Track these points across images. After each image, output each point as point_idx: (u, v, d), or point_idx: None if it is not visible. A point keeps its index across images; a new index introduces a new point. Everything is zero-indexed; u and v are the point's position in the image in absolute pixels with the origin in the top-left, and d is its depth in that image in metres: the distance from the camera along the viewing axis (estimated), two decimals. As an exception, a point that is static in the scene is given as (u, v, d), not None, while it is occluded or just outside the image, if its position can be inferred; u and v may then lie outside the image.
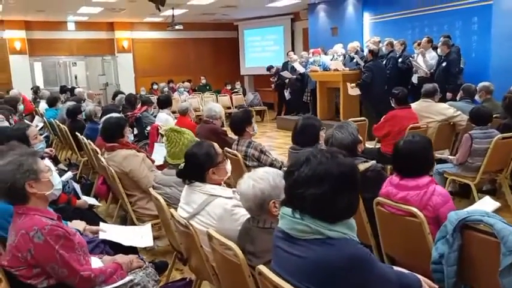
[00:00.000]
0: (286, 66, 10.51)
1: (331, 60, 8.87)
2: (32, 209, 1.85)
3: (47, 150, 4.23)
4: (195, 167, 2.29)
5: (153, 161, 3.72)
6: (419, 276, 1.69)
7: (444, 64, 6.58)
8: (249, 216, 2.01)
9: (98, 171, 4.76)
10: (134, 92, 10.94)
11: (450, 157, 4.14)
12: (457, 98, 5.32)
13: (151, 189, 2.75)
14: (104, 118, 4.03)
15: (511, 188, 4.13)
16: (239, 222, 2.09)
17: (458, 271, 1.92)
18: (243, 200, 1.91)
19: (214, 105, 4.67)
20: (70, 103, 6.78)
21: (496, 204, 2.47)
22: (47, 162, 2.47)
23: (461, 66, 6.82)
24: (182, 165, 2.36)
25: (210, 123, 4.49)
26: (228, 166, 2.40)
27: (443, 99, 5.62)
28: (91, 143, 4.53)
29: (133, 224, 3.39)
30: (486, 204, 2.45)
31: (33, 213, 1.84)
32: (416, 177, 2.28)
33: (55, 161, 4.97)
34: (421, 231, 2.17)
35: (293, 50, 12.32)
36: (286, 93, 10.12)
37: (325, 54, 9.42)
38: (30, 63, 13.13)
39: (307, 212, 1.39)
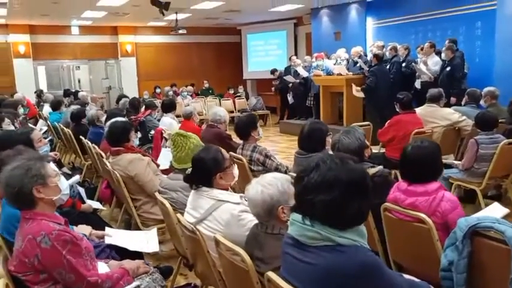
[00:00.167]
0: (288, 70, 10.51)
1: (335, 64, 8.88)
2: (39, 214, 1.84)
3: (52, 154, 4.22)
4: (203, 172, 2.28)
5: (157, 165, 3.71)
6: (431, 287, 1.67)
7: (448, 69, 6.57)
8: (256, 221, 2.00)
9: (101, 175, 4.76)
10: (137, 96, 10.96)
11: (456, 162, 4.13)
12: (462, 102, 5.30)
13: (157, 194, 2.74)
14: (109, 122, 4.03)
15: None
16: (246, 227, 2.08)
17: (468, 278, 1.90)
18: (252, 206, 1.89)
19: (219, 109, 4.66)
20: (74, 107, 6.79)
21: (505, 211, 2.45)
22: (52, 166, 2.46)
23: (465, 71, 6.81)
24: (189, 170, 2.35)
25: (214, 128, 4.49)
26: (236, 171, 2.39)
27: (447, 104, 5.61)
28: (95, 146, 4.53)
29: (137, 228, 3.38)
30: (495, 211, 2.43)
31: (40, 218, 1.83)
32: (425, 183, 2.26)
33: (59, 164, 4.98)
34: (429, 238, 2.15)
35: (296, 54, 12.35)
36: (290, 98, 10.12)
37: (329, 58, 9.43)
38: (34, 67, 13.18)
39: (317, 219, 1.38)
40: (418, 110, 4.91)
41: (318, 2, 10.71)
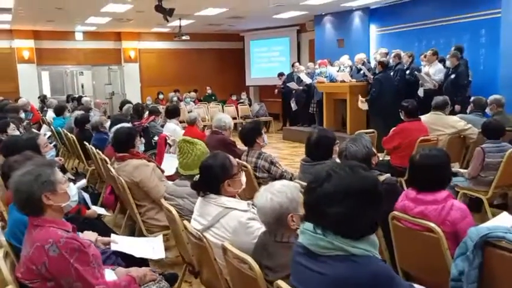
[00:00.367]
0: (291, 77, 10.53)
1: (338, 71, 8.89)
2: (48, 221, 1.83)
3: (56, 159, 4.22)
4: (211, 179, 2.26)
5: (162, 171, 3.71)
6: None
7: (453, 76, 6.56)
8: (264, 229, 1.99)
9: (105, 181, 4.75)
10: (140, 102, 10.98)
11: (461, 171, 4.11)
12: (467, 110, 5.29)
13: (163, 200, 2.73)
14: (114, 128, 4.03)
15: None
16: (254, 235, 2.07)
17: (479, 289, 1.88)
18: (260, 214, 1.88)
19: (223, 116, 4.66)
20: (78, 112, 6.80)
21: (515, 220, 2.43)
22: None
23: (469, 79, 6.81)
24: (197, 177, 2.34)
25: (219, 134, 4.49)
26: (243, 178, 2.38)
27: (452, 112, 5.60)
28: (100, 152, 4.52)
29: (141, 234, 3.37)
30: (504, 220, 2.40)
31: (48, 225, 1.81)
32: (434, 191, 2.24)
33: (62, 170, 4.96)
34: (439, 247, 2.14)
35: (299, 61, 12.37)
36: (293, 104, 10.12)
37: (332, 65, 9.44)
38: (38, 72, 13.23)
39: (330, 229, 1.36)
40: (423, 117, 4.89)
41: (321, 9, 10.74)
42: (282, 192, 1.85)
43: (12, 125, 4.35)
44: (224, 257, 2.04)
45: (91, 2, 8.89)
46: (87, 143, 5.20)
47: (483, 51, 7.96)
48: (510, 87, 6.68)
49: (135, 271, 2.09)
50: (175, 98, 11.68)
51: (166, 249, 3.49)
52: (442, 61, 7.17)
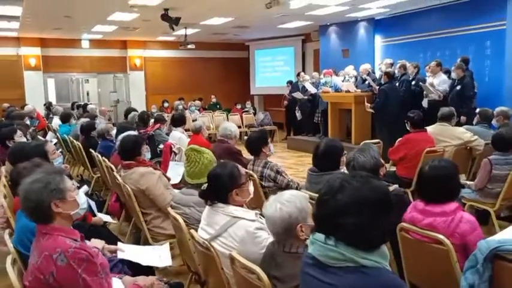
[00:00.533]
0: (296, 86, 10.56)
1: (343, 81, 8.90)
2: (56, 229, 1.82)
3: (62, 166, 4.23)
4: (219, 188, 2.26)
5: (169, 179, 3.70)
6: None
7: (459, 88, 6.55)
8: (272, 239, 1.98)
9: (110, 188, 4.75)
10: (145, 109, 11.01)
11: (468, 182, 4.08)
12: (474, 122, 5.28)
13: (169, 209, 2.73)
14: (121, 136, 4.04)
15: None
16: (262, 245, 2.05)
17: (489, 302, 1.86)
18: (269, 224, 1.87)
19: (229, 124, 4.66)
20: (84, 120, 6.82)
21: (524, 233, 2.40)
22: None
23: (475, 90, 6.80)
24: (205, 185, 2.34)
25: (225, 143, 4.48)
26: (251, 187, 2.37)
27: (457, 123, 5.59)
28: (106, 160, 4.53)
29: (147, 242, 3.36)
30: (513, 233, 2.38)
31: (57, 233, 1.81)
32: (442, 203, 2.23)
33: (69, 177, 4.96)
34: (448, 259, 2.12)
35: (303, 70, 12.41)
36: (298, 114, 10.13)
37: (337, 75, 9.46)
38: (44, 80, 13.32)
39: (343, 240, 1.35)
40: (429, 128, 4.88)
41: (327, 19, 10.80)
42: (291, 202, 1.85)
43: (19, 132, 4.36)
44: (232, 266, 2.03)
45: (98, 10, 8.98)
46: (92, 151, 5.21)
47: (488, 62, 7.96)
48: (516, 99, 6.67)
49: (142, 280, 2.08)
50: (180, 106, 11.71)
51: (171, 257, 3.49)
52: (447, 72, 7.17)
